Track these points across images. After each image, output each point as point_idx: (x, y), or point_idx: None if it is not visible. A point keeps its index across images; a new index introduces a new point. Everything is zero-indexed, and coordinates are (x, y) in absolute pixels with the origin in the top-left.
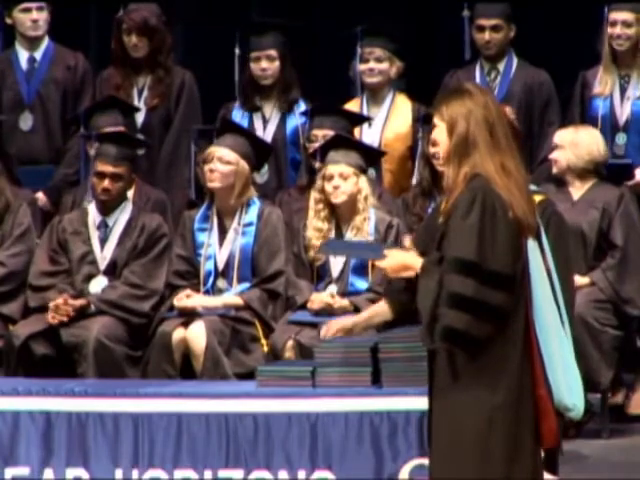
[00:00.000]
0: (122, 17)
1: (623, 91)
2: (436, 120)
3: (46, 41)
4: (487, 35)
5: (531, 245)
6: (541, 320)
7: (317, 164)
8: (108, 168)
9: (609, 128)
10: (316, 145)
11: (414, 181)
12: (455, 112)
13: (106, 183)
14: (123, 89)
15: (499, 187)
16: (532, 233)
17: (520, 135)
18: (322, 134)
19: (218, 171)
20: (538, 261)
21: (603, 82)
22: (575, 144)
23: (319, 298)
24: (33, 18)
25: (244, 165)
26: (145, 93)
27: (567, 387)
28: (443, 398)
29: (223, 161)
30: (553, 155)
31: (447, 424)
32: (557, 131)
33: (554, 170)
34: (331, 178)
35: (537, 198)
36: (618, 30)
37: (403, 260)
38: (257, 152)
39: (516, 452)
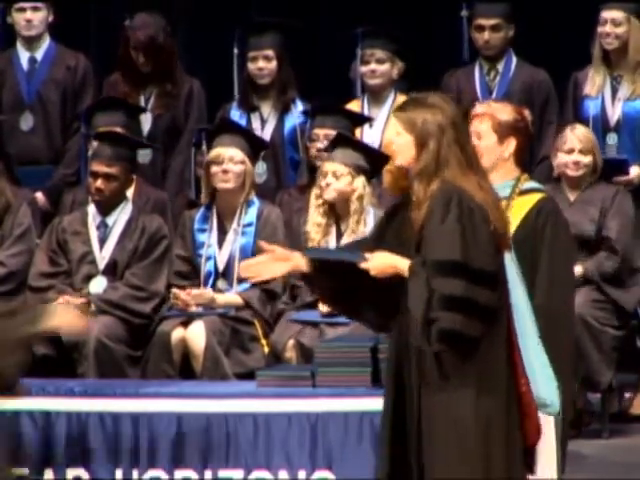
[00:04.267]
0: (129, 31)
1: (614, 92)
2: (400, 129)
3: (47, 41)
4: (486, 35)
5: (507, 258)
6: (519, 320)
7: (319, 163)
8: (102, 168)
9: (600, 128)
10: (318, 144)
11: None
12: (426, 128)
13: (99, 183)
14: (131, 98)
15: (477, 198)
16: (508, 247)
17: (532, 139)
18: (324, 133)
19: (232, 172)
20: (511, 264)
21: (592, 82)
22: (596, 145)
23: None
24: (27, 18)
25: (250, 163)
26: (152, 102)
27: (544, 384)
28: (435, 400)
29: (235, 161)
30: (574, 158)
31: (443, 427)
32: (571, 132)
33: (573, 173)
34: (326, 175)
35: (536, 197)
36: (607, 29)
37: (388, 261)
38: (254, 149)
39: (512, 451)
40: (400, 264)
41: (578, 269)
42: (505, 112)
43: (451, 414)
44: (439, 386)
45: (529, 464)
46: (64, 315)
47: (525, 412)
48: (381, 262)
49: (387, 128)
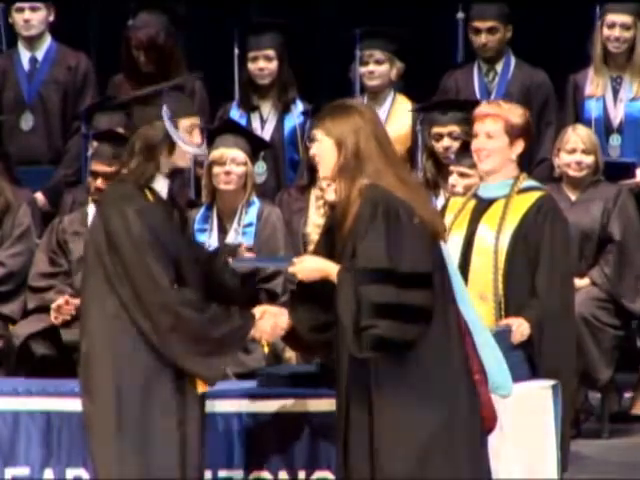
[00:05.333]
0: (130, 32)
1: (615, 93)
2: (321, 135)
3: (48, 41)
4: (483, 38)
5: (444, 246)
6: (465, 312)
7: None
8: (102, 167)
9: (603, 130)
10: None
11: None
12: (344, 128)
13: (99, 183)
14: None
15: (402, 195)
16: (442, 237)
17: (533, 139)
18: None
19: (234, 173)
20: (450, 257)
21: (594, 84)
22: (598, 145)
23: None
24: (25, 18)
25: (251, 164)
26: None
27: (495, 367)
28: (392, 405)
29: (237, 162)
30: (577, 158)
31: (399, 431)
32: (573, 132)
33: (575, 173)
34: None
35: (535, 195)
36: (617, 33)
37: (315, 265)
38: (254, 149)
39: (476, 443)
40: (327, 269)
41: (584, 281)
42: (517, 115)
43: (408, 417)
44: (390, 390)
45: None
46: (264, 324)
47: (481, 400)
48: (307, 266)
49: (386, 128)
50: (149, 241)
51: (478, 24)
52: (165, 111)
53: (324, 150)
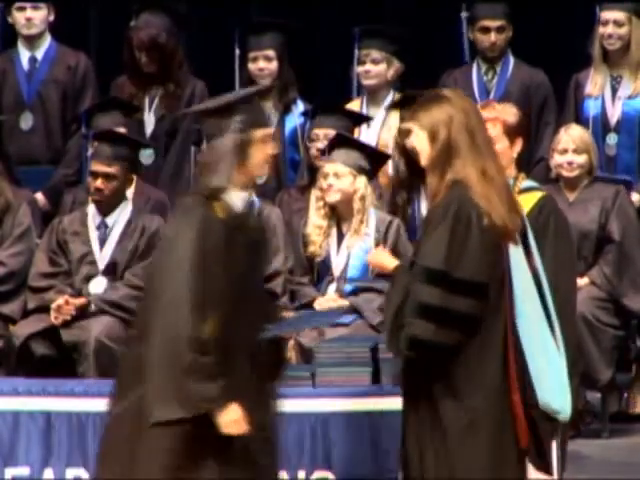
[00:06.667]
0: (132, 33)
1: (614, 91)
2: (415, 128)
3: (48, 41)
4: (493, 37)
5: (513, 250)
6: (524, 324)
7: (319, 163)
8: (101, 167)
9: (600, 128)
10: (318, 144)
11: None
12: (436, 119)
13: (98, 183)
14: (137, 99)
15: (478, 195)
16: (513, 239)
17: (530, 136)
18: (324, 133)
19: None
20: (521, 265)
21: (594, 82)
22: (591, 144)
23: (325, 302)
24: (27, 16)
25: None
26: (155, 103)
27: (553, 390)
28: (420, 405)
29: None
30: (568, 158)
31: (428, 431)
32: (565, 132)
33: (567, 173)
34: (327, 176)
35: (537, 195)
36: (610, 30)
37: (381, 260)
38: None
39: (501, 452)
40: (390, 266)
41: (583, 280)
42: (511, 114)
43: (433, 423)
44: (425, 395)
45: (536, 463)
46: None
47: (514, 414)
48: (377, 259)
49: (384, 127)
50: (195, 261)
51: (488, 23)
52: (236, 123)
53: (419, 143)
